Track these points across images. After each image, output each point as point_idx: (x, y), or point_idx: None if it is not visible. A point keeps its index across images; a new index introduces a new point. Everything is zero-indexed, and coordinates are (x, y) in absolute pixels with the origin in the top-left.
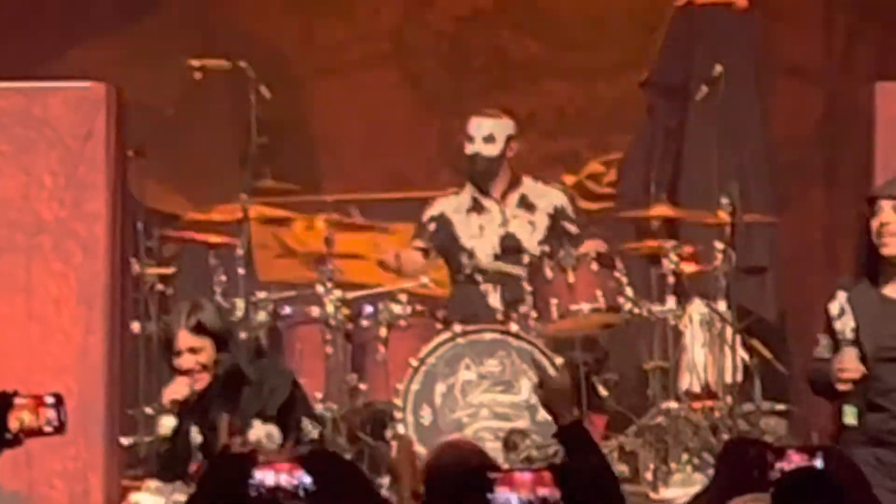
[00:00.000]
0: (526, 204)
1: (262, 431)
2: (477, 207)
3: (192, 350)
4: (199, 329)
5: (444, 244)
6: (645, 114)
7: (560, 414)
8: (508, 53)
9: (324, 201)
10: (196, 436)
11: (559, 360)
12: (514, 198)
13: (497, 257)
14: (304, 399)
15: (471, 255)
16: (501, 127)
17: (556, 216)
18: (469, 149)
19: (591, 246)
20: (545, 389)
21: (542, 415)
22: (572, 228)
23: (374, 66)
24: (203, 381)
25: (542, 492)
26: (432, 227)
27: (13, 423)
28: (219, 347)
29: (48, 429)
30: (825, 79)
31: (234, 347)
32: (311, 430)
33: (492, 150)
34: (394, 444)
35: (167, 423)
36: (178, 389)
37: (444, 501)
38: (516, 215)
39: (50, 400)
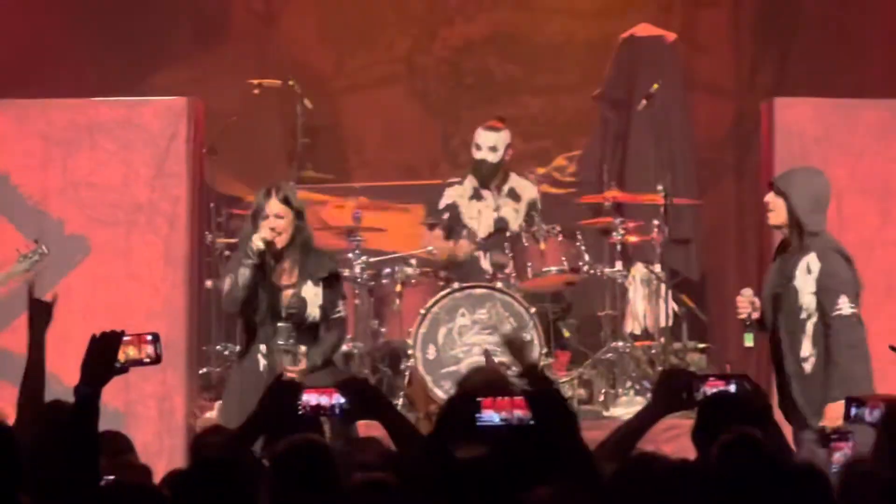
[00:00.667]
0: (513, 195)
1: (311, 291)
2: (476, 196)
3: (278, 216)
4: (285, 201)
5: (452, 223)
6: (598, 121)
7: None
8: (493, 74)
9: (352, 187)
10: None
11: (533, 310)
12: (505, 189)
13: (490, 234)
14: (342, 285)
15: (470, 232)
16: (502, 138)
17: (532, 205)
18: (477, 154)
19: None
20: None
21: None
22: (536, 217)
23: (390, 84)
24: (282, 241)
25: (518, 413)
26: (445, 216)
27: (121, 356)
28: (296, 218)
29: (147, 360)
30: (735, 94)
31: (306, 225)
32: (341, 309)
33: (494, 157)
34: (406, 374)
35: (258, 242)
36: (264, 233)
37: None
38: (506, 203)
39: (150, 338)
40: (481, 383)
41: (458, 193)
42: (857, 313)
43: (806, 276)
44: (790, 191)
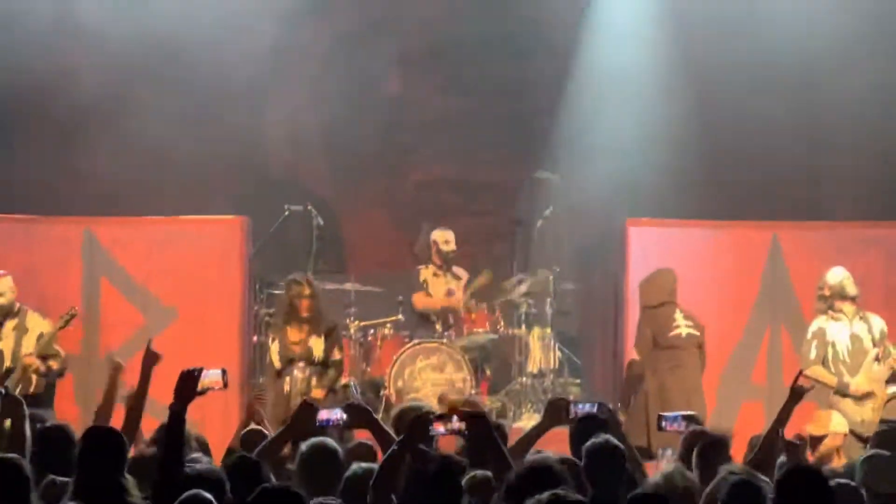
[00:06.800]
0: (455, 276)
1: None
2: (437, 274)
3: None
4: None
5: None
6: (512, 233)
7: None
8: (443, 203)
9: (348, 276)
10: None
11: (466, 357)
12: (451, 273)
13: (442, 307)
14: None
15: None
16: (452, 234)
17: (467, 282)
18: (444, 248)
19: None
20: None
21: (458, 387)
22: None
23: (374, 208)
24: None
25: (456, 425)
26: (424, 284)
27: (200, 385)
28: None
29: (218, 387)
30: (602, 214)
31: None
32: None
33: (450, 248)
34: (383, 399)
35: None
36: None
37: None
38: (451, 281)
39: (220, 372)
40: (407, 414)
41: (428, 272)
42: None
43: None
44: None
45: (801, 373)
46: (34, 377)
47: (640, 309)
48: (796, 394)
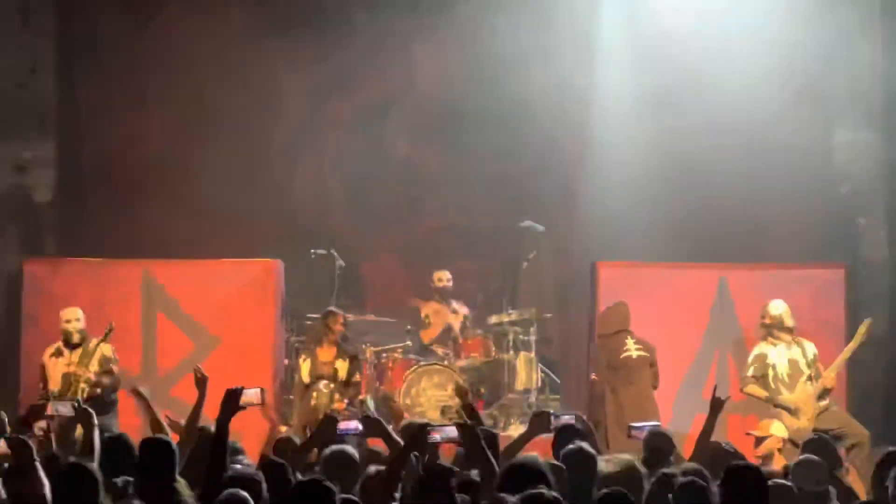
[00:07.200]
0: (454, 311)
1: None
2: (437, 309)
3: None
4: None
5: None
6: (501, 274)
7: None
8: (444, 248)
9: (364, 309)
10: None
11: (464, 376)
12: (450, 307)
13: (439, 336)
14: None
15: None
16: (448, 274)
17: (465, 318)
18: (438, 284)
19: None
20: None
21: (456, 403)
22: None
23: (387, 253)
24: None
25: (451, 434)
26: (424, 315)
27: (242, 401)
28: None
29: (257, 403)
30: (576, 257)
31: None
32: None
33: (448, 284)
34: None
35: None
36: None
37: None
38: (450, 315)
39: (259, 390)
40: (412, 425)
41: (430, 308)
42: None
43: None
44: None
45: (716, 388)
46: (85, 387)
47: (597, 337)
48: (716, 405)
